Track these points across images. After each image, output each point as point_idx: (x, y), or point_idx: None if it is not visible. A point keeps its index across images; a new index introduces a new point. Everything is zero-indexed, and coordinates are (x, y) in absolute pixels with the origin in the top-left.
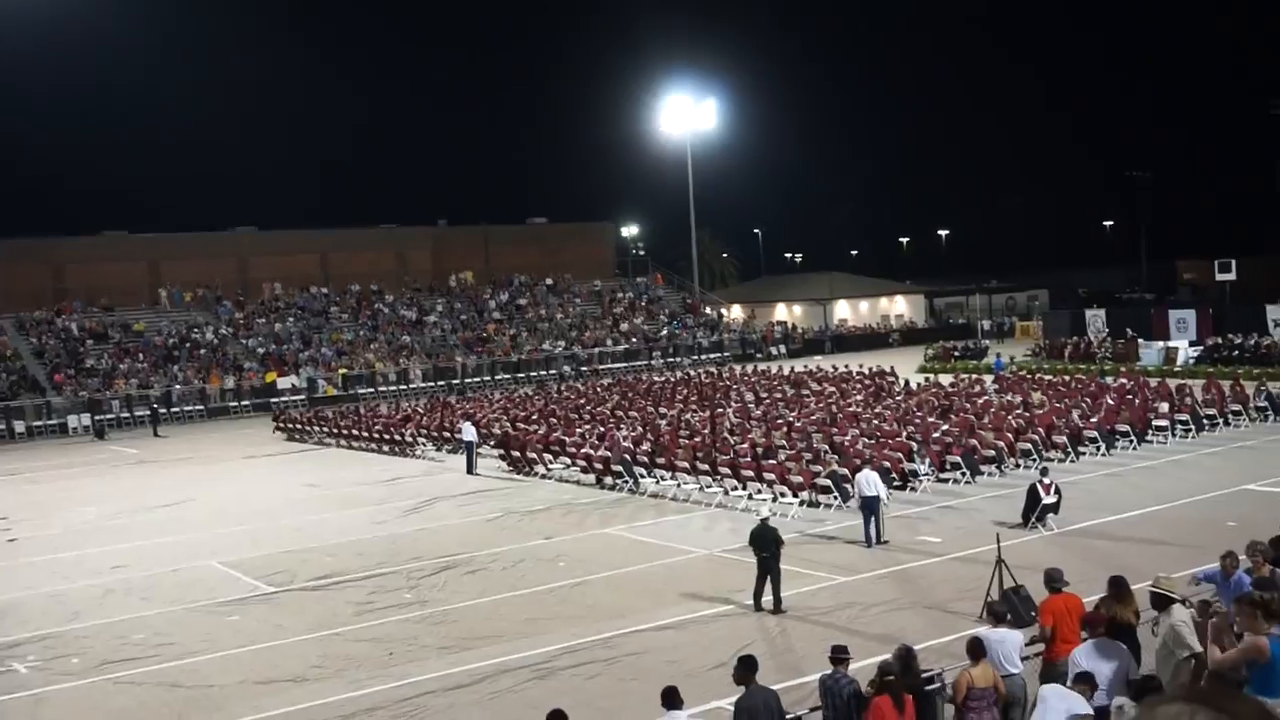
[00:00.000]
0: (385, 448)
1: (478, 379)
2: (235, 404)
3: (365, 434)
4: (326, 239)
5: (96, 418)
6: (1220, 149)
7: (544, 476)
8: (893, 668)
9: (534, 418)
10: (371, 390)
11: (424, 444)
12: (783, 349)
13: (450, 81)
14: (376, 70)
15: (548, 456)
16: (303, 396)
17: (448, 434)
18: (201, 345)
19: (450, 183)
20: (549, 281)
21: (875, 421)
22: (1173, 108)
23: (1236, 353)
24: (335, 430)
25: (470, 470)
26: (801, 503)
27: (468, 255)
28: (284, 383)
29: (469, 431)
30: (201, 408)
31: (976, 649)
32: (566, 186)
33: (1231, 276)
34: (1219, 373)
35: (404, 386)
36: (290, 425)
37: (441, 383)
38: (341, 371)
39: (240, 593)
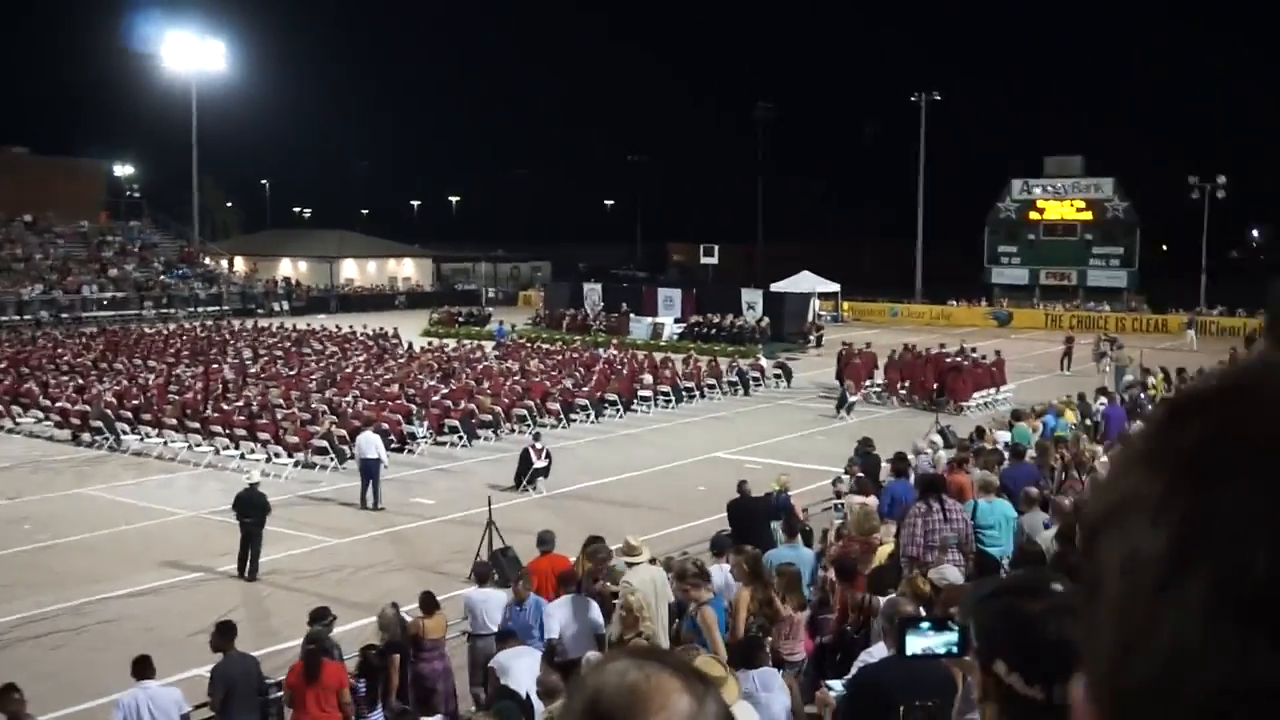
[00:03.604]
0: None
1: None
2: None
3: None
4: None
5: None
6: (713, 142)
7: (11, 431)
8: (318, 635)
9: (2, 367)
10: None
11: None
12: (286, 305)
13: None
14: None
15: (16, 410)
16: None
17: None
18: None
19: None
20: (28, 218)
21: (376, 383)
22: (675, 99)
23: (715, 331)
24: None
25: None
26: (297, 464)
27: None
28: None
29: None
30: None
31: (430, 603)
32: (54, 116)
33: (714, 260)
34: (698, 349)
35: None
36: None
37: None
38: None
39: None
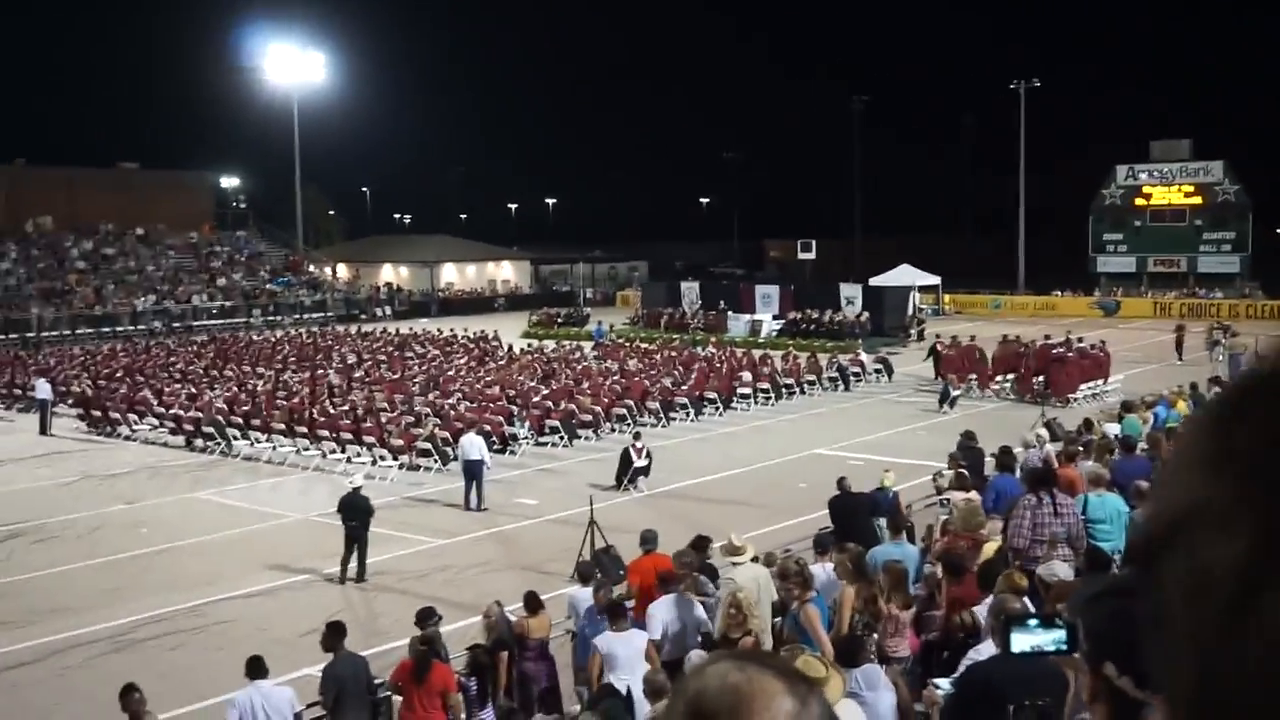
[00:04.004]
0: None
1: (55, 333)
2: None
3: None
4: None
5: None
6: (808, 137)
7: (128, 438)
8: (431, 636)
9: (119, 375)
10: None
11: None
12: (388, 310)
13: (32, 8)
14: None
15: (133, 417)
16: None
17: (19, 391)
18: None
19: (31, 119)
20: (140, 231)
21: (478, 385)
22: (770, 95)
23: (813, 327)
24: None
25: (44, 431)
26: (401, 466)
27: (47, 199)
28: None
29: (43, 389)
30: None
31: (534, 602)
32: (162, 131)
33: (812, 256)
34: (797, 345)
35: None
36: None
37: (13, 336)
38: None
39: None
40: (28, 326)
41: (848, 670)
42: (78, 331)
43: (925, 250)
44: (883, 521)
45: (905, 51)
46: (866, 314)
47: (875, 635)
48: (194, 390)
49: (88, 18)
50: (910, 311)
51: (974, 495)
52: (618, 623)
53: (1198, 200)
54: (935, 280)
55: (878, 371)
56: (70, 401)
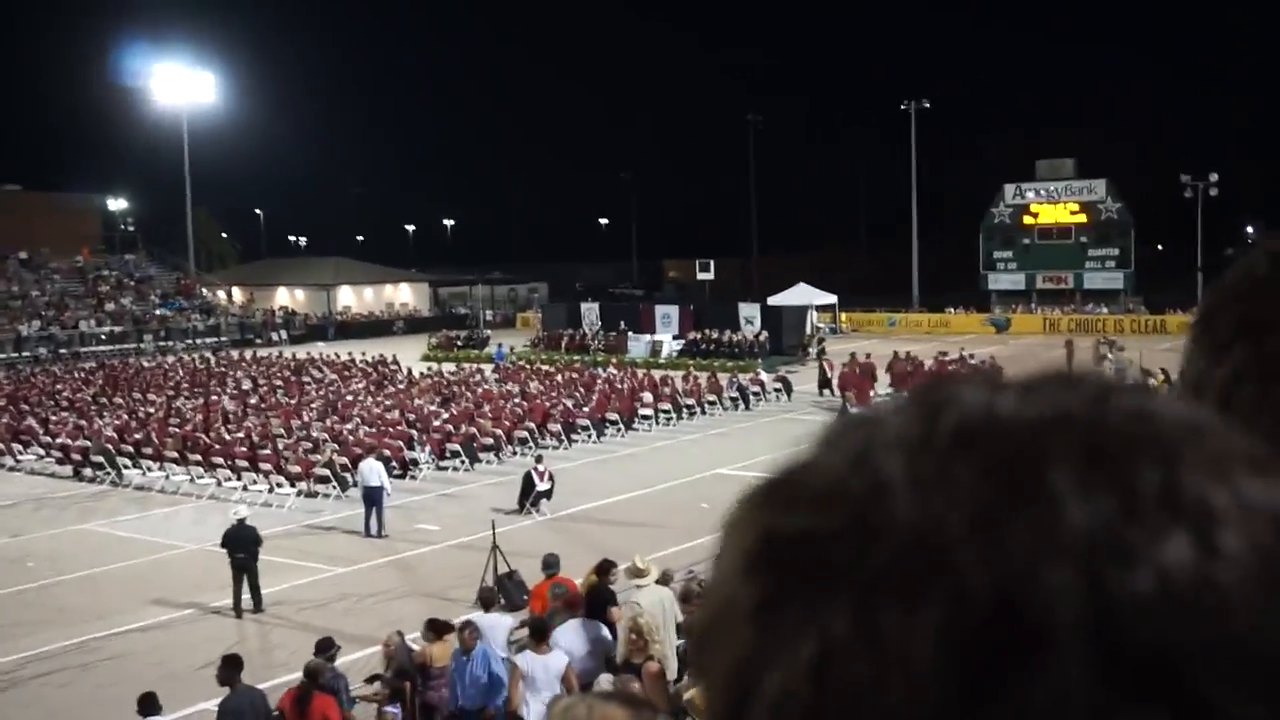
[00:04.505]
0: None
1: None
2: None
3: None
4: None
5: None
6: (705, 157)
7: (12, 469)
8: (315, 668)
9: (1, 404)
10: None
11: None
12: (284, 335)
13: None
14: None
15: (17, 447)
16: None
17: None
18: None
19: None
20: (23, 255)
21: (376, 410)
22: (659, 115)
23: (713, 347)
24: None
25: None
26: (299, 493)
27: None
28: None
29: None
30: None
31: (439, 628)
32: (45, 153)
33: (710, 276)
34: (697, 365)
35: None
36: None
37: None
38: None
39: None
40: None
41: None
42: None
43: (821, 268)
44: None
45: (799, 70)
46: (765, 333)
47: None
48: (82, 419)
49: None
50: (808, 330)
51: None
52: (540, 644)
53: (1083, 218)
54: (832, 299)
55: (777, 390)
56: None
